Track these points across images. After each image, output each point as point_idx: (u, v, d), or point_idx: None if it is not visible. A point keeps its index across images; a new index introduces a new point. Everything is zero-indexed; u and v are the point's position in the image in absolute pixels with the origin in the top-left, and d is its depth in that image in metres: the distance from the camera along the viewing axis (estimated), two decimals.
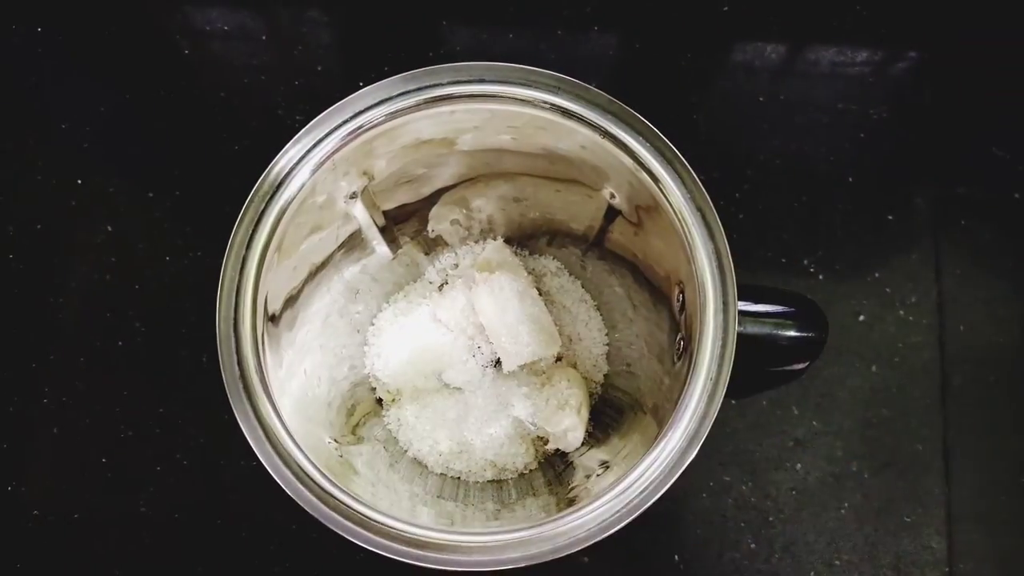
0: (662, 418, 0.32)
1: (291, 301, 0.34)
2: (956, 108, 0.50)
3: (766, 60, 0.51)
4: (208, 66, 0.50)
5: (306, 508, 0.28)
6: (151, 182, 0.48)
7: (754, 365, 0.30)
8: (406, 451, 0.40)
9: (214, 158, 0.48)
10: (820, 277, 0.47)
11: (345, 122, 0.30)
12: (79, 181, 0.48)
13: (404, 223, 0.40)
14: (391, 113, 0.30)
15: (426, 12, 0.51)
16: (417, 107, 0.30)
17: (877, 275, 0.47)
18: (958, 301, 0.47)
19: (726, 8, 0.51)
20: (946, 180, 0.49)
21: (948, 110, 0.50)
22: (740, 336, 0.28)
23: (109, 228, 0.47)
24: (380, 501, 0.32)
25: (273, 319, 0.31)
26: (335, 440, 0.34)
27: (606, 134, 0.30)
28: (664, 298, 0.34)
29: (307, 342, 0.36)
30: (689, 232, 0.29)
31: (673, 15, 0.51)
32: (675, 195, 0.29)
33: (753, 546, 0.44)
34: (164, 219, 0.47)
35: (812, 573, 0.43)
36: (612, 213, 0.35)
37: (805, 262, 0.47)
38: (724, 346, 0.28)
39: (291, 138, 0.48)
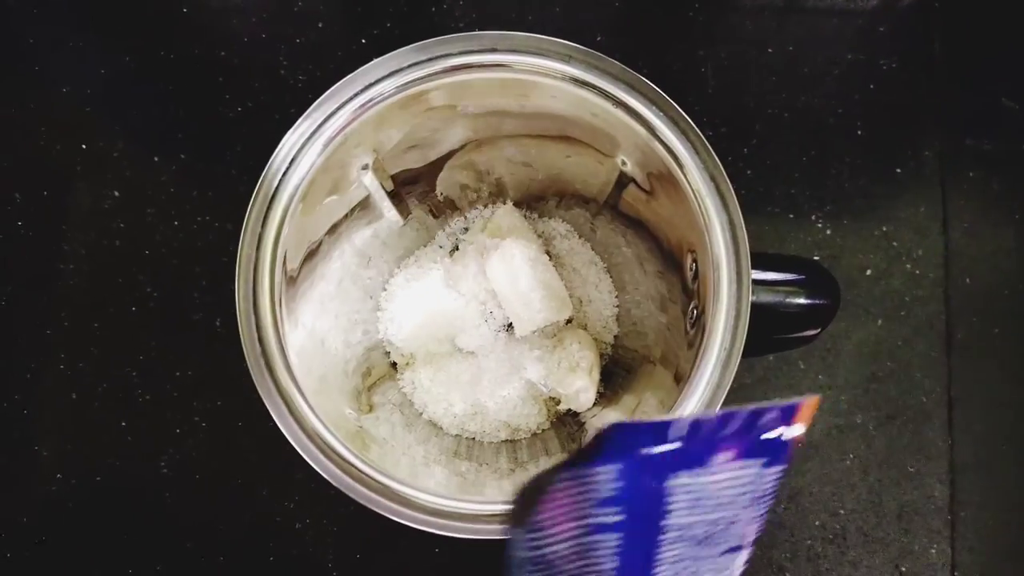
0: (674, 368, 0.32)
1: (307, 260, 0.34)
2: (965, 59, 0.50)
3: (775, 11, 0.50)
4: (207, 25, 0.50)
5: (330, 480, 0.29)
6: (156, 146, 0.48)
7: (766, 332, 0.30)
8: (421, 413, 0.40)
9: (218, 120, 0.48)
10: (828, 232, 0.47)
11: (356, 95, 0.30)
12: (84, 146, 0.47)
13: (413, 187, 0.40)
14: (402, 85, 0.30)
15: None
16: (428, 78, 0.30)
17: (884, 229, 0.47)
18: (964, 254, 0.47)
19: None
20: (955, 132, 0.49)
21: (957, 61, 0.49)
22: (753, 305, 0.28)
23: (116, 193, 0.47)
24: (398, 466, 0.33)
25: (290, 281, 0.31)
26: (353, 410, 0.34)
27: (619, 103, 0.30)
28: (676, 263, 0.34)
29: (321, 307, 0.36)
30: (703, 202, 0.29)
31: None
32: (689, 165, 0.29)
33: None
34: (171, 183, 0.47)
35: (817, 522, 0.45)
36: (623, 180, 0.35)
37: (813, 217, 0.47)
38: (738, 316, 0.28)
39: (294, 98, 0.48)
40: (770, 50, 0.49)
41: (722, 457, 0.21)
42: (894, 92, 0.49)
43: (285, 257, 0.31)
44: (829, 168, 0.48)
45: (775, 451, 0.21)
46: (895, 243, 0.47)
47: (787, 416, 0.21)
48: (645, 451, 0.20)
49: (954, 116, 0.49)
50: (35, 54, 0.49)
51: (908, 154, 0.48)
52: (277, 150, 0.30)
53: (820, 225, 0.47)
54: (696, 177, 0.29)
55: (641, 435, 0.20)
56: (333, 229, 0.37)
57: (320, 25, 0.49)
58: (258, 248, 0.29)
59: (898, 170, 0.48)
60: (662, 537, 0.21)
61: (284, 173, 0.29)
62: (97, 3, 0.50)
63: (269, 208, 0.29)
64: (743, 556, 0.22)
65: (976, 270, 0.47)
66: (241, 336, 0.29)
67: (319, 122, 0.30)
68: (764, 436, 0.21)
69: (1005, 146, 0.48)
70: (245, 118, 0.48)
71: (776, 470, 0.21)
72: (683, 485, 0.20)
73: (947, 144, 0.48)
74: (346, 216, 0.37)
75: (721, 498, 0.21)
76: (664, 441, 0.20)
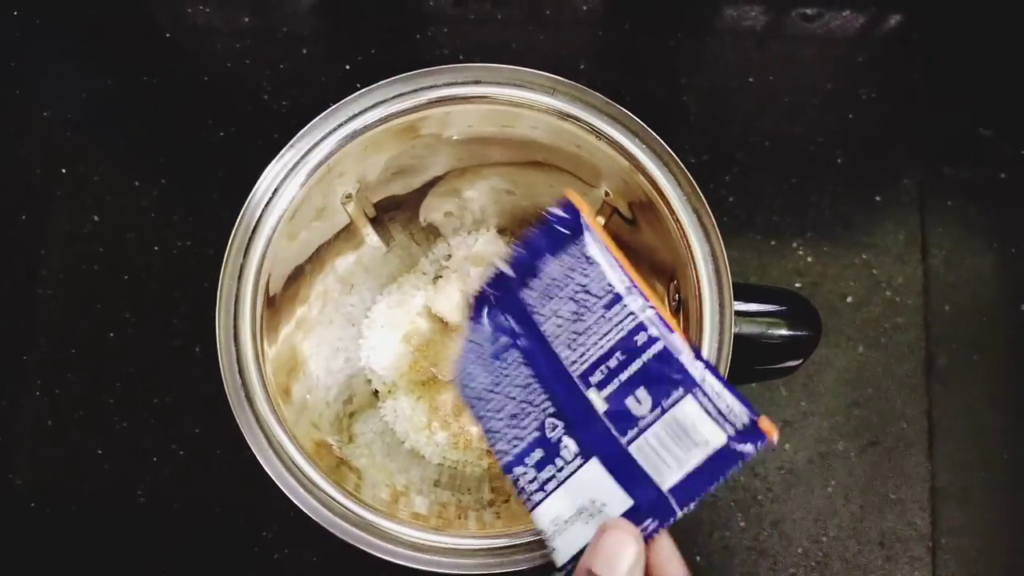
0: None
1: (288, 286, 0.34)
2: (943, 89, 0.50)
3: (755, 41, 0.50)
4: (191, 50, 0.49)
5: (312, 515, 0.28)
6: (137, 170, 0.47)
7: (748, 363, 0.30)
8: (403, 442, 0.40)
9: (200, 145, 0.48)
10: (808, 259, 0.48)
11: (340, 126, 0.30)
12: (63, 170, 0.47)
13: (396, 213, 0.40)
14: (386, 116, 0.30)
15: None
16: (413, 110, 0.30)
17: (864, 256, 0.48)
18: (943, 281, 0.48)
19: None
20: (933, 160, 0.49)
21: (936, 91, 0.50)
22: (735, 336, 0.28)
23: (96, 218, 0.46)
24: (377, 499, 0.32)
25: (271, 303, 0.31)
26: (335, 440, 0.34)
27: (602, 136, 0.30)
28: (659, 295, 0.34)
29: (302, 337, 0.36)
30: (686, 234, 0.29)
31: None
32: (672, 196, 0.29)
33: (743, 524, 0.45)
34: (151, 208, 0.47)
35: (800, 549, 0.44)
36: (606, 210, 0.35)
37: (794, 244, 0.48)
38: (720, 347, 0.28)
39: (276, 123, 0.48)
40: (751, 80, 0.50)
41: (541, 261, 0.27)
42: (874, 121, 0.50)
43: (267, 285, 0.30)
44: (810, 196, 0.49)
45: (568, 228, 0.27)
46: (875, 270, 0.48)
47: (564, 207, 0.27)
48: (492, 292, 0.28)
49: (933, 144, 0.49)
50: (17, 77, 0.48)
51: (887, 182, 0.49)
52: (259, 181, 0.30)
53: (801, 252, 0.48)
54: (679, 209, 0.29)
55: (490, 286, 0.28)
56: (315, 255, 0.37)
57: (304, 51, 0.49)
58: (239, 281, 0.29)
59: (877, 198, 0.48)
60: (545, 331, 0.27)
61: (266, 204, 0.29)
62: (80, 27, 0.49)
63: (250, 240, 0.29)
64: (631, 298, 0.25)
65: (955, 297, 0.48)
66: (221, 370, 0.29)
67: (303, 152, 0.30)
68: (555, 225, 0.27)
69: (983, 174, 0.49)
70: (228, 143, 0.47)
71: (579, 242, 0.27)
72: (530, 294, 0.27)
73: (926, 172, 0.49)
74: (328, 242, 0.37)
75: (561, 280, 0.27)
76: (506, 281, 0.28)
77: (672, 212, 0.29)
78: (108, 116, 0.48)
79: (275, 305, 0.33)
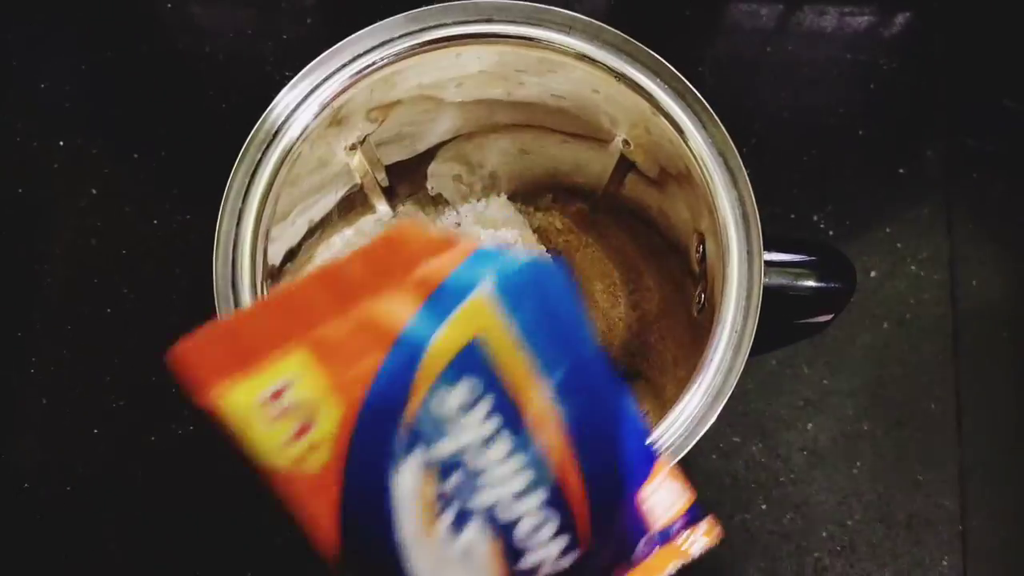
0: (681, 377, 0.31)
1: (289, 258, 0.32)
2: (967, 59, 0.49)
3: (772, 11, 0.49)
4: (192, 21, 0.48)
5: None
6: (136, 143, 0.46)
7: (778, 317, 0.29)
8: None
9: (201, 117, 0.46)
10: (830, 233, 0.46)
11: (345, 65, 0.28)
12: (61, 143, 0.46)
13: (403, 180, 0.38)
14: (394, 55, 0.28)
15: None
16: (421, 48, 0.28)
17: (888, 230, 0.46)
18: (970, 256, 0.46)
19: None
20: (957, 132, 0.48)
21: (959, 61, 0.49)
22: (764, 287, 0.27)
23: (93, 191, 0.45)
24: None
25: (272, 276, 0.29)
26: None
27: (621, 76, 0.29)
28: (680, 250, 0.32)
29: None
30: (710, 178, 0.28)
31: None
32: (695, 139, 0.28)
33: (764, 507, 0.43)
34: (150, 181, 0.45)
35: (824, 533, 0.43)
36: (624, 165, 0.33)
37: (815, 218, 0.46)
38: (749, 297, 0.27)
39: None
40: (769, 49, 0.48)
41: None
42: (895, 92, 0.48)
43: (267, 243, 0.29)
44: (830, 168, 0.47)
45: None
46: (899, 244, 0.46)
47: None
48: None
49: (956, 117, 0.48)
50: (12, 49, 0.47)
51: (910, 154, 0.47)
52: (261, 120, 0.29)
53: (822, 226, 0.46)
54: (703, 150, 0.28)
55: None
56: (320, 224, 0.35)
57: (308, 21, 0.48)
58: (238, 224, 0.27)
59: (900, 170, 0.47)
60: None
61: (268, 145, 0.28)
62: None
63: (251, 182, 0.28)
64: None
65: (982, 272, 0.46)
66: (217, 308, 0.27)
67: (306, 92, 0.28)
68: None
69: (1008, 147, 0.48)
70: (230, 114, 0.46)
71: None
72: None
73: (949, 145, 0.48)
74: (332, 211, 0.36)
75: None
76: None
77: (695, 155, 0.28)
78: (107, 88, 0.47)
79: (276, 279, 0.31)
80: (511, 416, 0.18)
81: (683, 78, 0.28)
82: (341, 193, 0.35)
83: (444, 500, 0.18)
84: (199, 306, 0.44)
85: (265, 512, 0.41)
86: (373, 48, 0.28)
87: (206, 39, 0.48)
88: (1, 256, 0.45)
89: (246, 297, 0.27)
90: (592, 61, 0.29)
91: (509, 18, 0.28)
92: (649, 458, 0.20)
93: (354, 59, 0.28)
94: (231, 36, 0.47)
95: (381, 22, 0.29)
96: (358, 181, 0.35)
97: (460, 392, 0.17)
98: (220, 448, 0.42)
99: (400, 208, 0.39)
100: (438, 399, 0.18)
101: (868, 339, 0.45)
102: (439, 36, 0.28)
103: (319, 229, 0.35)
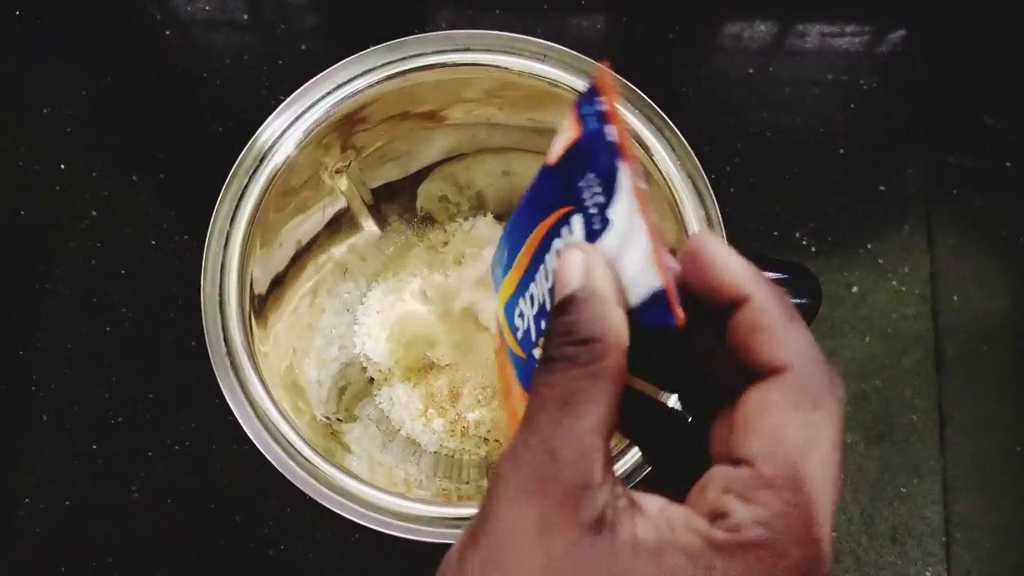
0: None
1: (278, 282, 0.33)
2: (946, 77, 0.50)
3: (754, 32, 0.50)
4: (190, 47, 0.50)
5: (295, 483, 0.28)
6: (135, 166, 0.47)
7: None
8: (399, 430, 0.39)
9: (198, 140, 0.48)
10: (812, 249, 0.47)
11: (329, 93, 0.29)
12: (62, 166, 0.47)
13: (392, 199, 0.39)
14: (376, 82, 0.30)
15: None
16: (401, 75, 0.30)
17: (869, 246, 0.47)
18: (950, 271, 0.47)
19: None
20: (937, 150, 0.49)
21: (938, 79, 0.50)
22: None
23: (94, 213, 0.46)
24: (376, 480, 0.32)
25: (260, 299, 0.30)
26: (327, 417, 0.33)
27: None
28: None
29: (295, 322, 0.36)
30: (679, 199, 0.29)
31: None
32: (664, 162, 0.29)
33: None
34: (149, 203, 0.47)
35: None
36: None
37: (797, 235, 0.47)
38: None
39: None
40: (750, 70, 0.49)
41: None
42: (875, 111, 0.49)
43: (253, 277, 0.30)
44: (812, 186, 0.48)
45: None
46: (880, 260, 0.47)
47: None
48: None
49: (936, 134, 0.49)
50: (15, 74, 0.48)
51: (891, 172, 0.48)
52: (247, 147, 0.30)
53: (804, 243, 0.47)
54: (671, 172, 0.29)
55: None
56: (308, 246, 0.36)
57: (303, 47, 0.49)
58: (226, 246, 0.28)
59: (881, 187, 0.48)
60: None
61: (255, 170, 0.29)
62: (79, 25, 0.50)
63: (238, 206, 0.29)
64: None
65: (963, 287, 0.47)
66: (206, 334, 0.28)
67: (291, 120, 0.30)
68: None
69: (987, 163, 0.48)
70: (226, 138, 0.47)
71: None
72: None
73: (929, 162, 0.48)
74: (320, 232, 0.37)
75: None
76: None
77: (665, 177, 0.29)
78: (107, 112, 0.48)
79: (265, 302, 0.32)
80: None
81: (653, 104, 0.29)
82: (329, 214, 0.36)
83: None
84: (196, 324, 0.45)
85: (262, 526, 0.42)
86: (356, 76, 0.30)
87: (203, 64, 0.49)
88: (3, 276, 0.46)
89: (232, 314, 0.28)
90: (566, 88, 0.30)
91: (486, 46, 0.30)
92: None
93: (338, 87, 0.29)
94: (228, 61, 0.49)
95: (363, 52, 0.30)
96: (344, 203, 0.36)
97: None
98: (215, 464, 0.43)
99: (388, 227, 0.40)
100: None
101: (851, 353, 0.46)
102: (418, 65, 0.29)
103: (306, 252, 0.36)
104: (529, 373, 0.22)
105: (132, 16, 0.50)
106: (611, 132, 0.18)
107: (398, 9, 0.50)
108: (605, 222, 0.18)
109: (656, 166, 0.29)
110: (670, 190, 0.29)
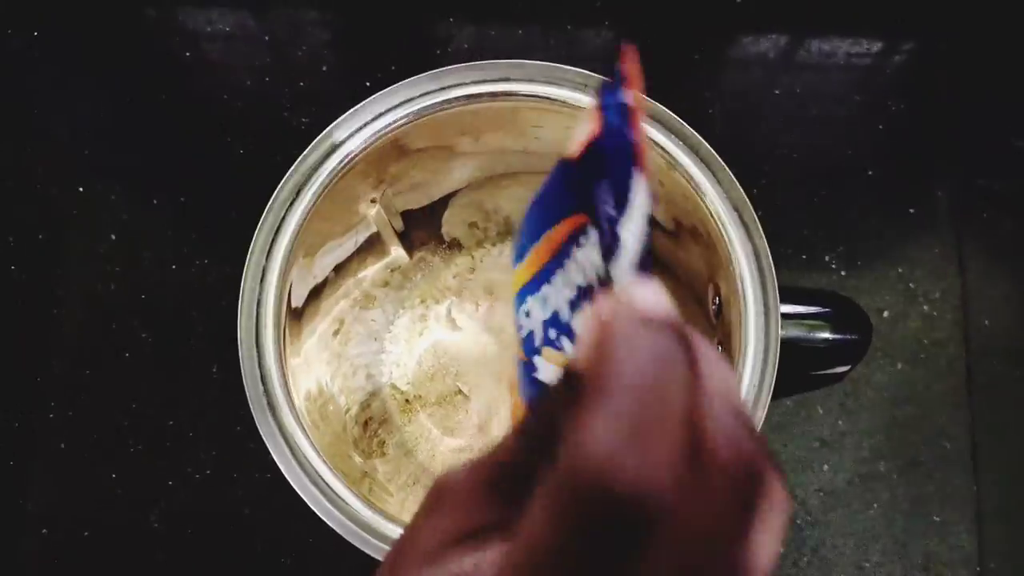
0: None
1: (308, 305, 0.33)
2: (974, 99, 0.49)
3: (780, 52, 0.50)
4: (210, 69, 0.49)
5: (336, 528, 0.27)
6: (154, 189, 0.47)
7: (795, 369, 0.29)
8: (432, 459, 0.38)
9: (219, 162, 0.47)
10: (842, 273, 0.46)
11: (367, 124, 0.29)
12: (80, 189, 0.46)
13: (419, 226, 0.39)
14: (414, 113, 0.29)
15: (432, 9, 0.50)
16: (440, 107, 0.29)
17: (900, 270, 0.46)
18: (982, 295, 0.46)
19: (738, 0, 0.50)
20: (966, 172, 0.48)
21: (966, 100, 0.49)
22: (782, 340, 0.27)
23: (112, 236, 0.46)
24: (404, 516, 0.31)
25: (294, 316, 0.30)
26: (358, 455, 0.32)
27: None
28: (696, 298, 0.33)
29: (323, 350, 0.35)
30: (726, 232, 0.28)
31: (684, 8, 0.50)
32: (711, 194, 0.28)
33: (781, 550, 0.43)
34: (168, 226, 0.46)
35: None
36: None
37: (826, 258, 0.46)
38: (767, 350, 0.27)
39: (296, 140, 0.47)
40: (777, 92, 0.49)
41: None
42: (903, 133, 0.48)
43: (290, 291, 0.29)
44: (840, 209, 0.47)
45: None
46: (911, 284, 0.46)
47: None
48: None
49: (965, 156, 0.48)
50: (33, 97, 0.48)
51: (920, 194, 0.48)
52: (284, 179, 0.29)
53: (834, 266, 0.46)
54: (718, 206, 0.28)
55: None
56: (338, 269, 0.36)
57: (324, 69, 0.49)
58: (262, 282, 0.28)
59: (911, 210, 0.47)
60: None
61: (291, 203, 0.28)
62: (99, 46, 0.49)
63: (274, 240, 0.28)
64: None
65: (995, 311, 0.46)
66: (243, 373, 0.27)
67: (327, 151, 0.29)
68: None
69: (1017, 185, 0.48)
70: (247, 161, 0.47)
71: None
72: None
73: (958, 184, 0.48)
74: (351, 258, 0.36)
75: None
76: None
77: (711, 210, 0.28)
78: (126, 135, 0.48)
79: (298, 320, 0.32)
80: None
81: (697, 135, 0.29)
82: (360, 240, 0.36)
83: None
84: (217, 350, 0.44)
85: (284, 556, 0.42)
86: (394, 107, 0.29)
87: (224, 86, 0.48)
88: (21, 301, 0.45)
89: (269, 353, 0.27)
90: None
91: (526, 76, 0.29)
92: None
93: (375, 118, 0.29)
94: (248, 84, 0.48)
95: (403, 81, 0.29)
96: (375, 229, 0.36)
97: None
98: (235, 493, 0.42)
99: (415, 254, 0.39)
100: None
101: (882, 379, 0.45)
102: (458, 95, 0.29)
103: (337, 277, 0.35)
104: (525, 378, 0.22)
105: (151, 38, 0.49)
106: (630, 130, 0.17)
107: (420, 30, 0.49)
108: (616, 239, 0.17)
109: (702, 199, 0.28)
110: (717, 223, 0.28)
